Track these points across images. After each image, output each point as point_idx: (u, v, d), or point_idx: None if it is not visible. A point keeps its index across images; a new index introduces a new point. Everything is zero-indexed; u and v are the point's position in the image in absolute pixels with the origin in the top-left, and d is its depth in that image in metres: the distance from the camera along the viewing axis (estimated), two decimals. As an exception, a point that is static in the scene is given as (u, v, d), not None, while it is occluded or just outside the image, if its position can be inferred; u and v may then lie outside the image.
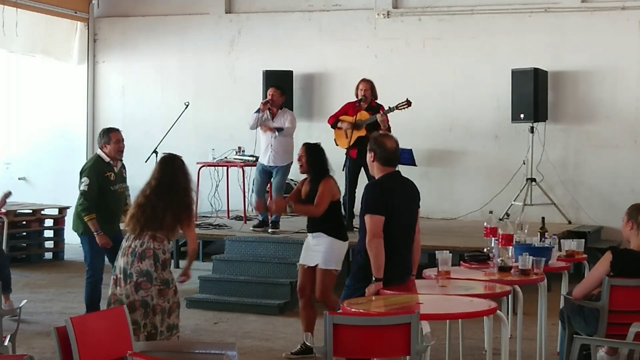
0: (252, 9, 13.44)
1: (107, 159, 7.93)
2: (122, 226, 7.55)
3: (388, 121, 9.89)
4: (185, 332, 8.23)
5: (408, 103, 10.03)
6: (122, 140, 8.03)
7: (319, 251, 7.21)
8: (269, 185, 10.60)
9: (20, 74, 14.39)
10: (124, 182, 8.12)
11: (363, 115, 10.04)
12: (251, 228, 10.53)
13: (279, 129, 10.31)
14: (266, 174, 10.43)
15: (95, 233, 7.81)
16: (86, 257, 8.11)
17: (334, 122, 10.31)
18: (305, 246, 7.39)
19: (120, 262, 6.24)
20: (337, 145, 10.28)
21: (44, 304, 9.35)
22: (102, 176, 7.87)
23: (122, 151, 8.00)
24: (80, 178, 7.89)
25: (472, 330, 7.63)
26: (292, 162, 10.30)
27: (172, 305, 6.23)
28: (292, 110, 11.39)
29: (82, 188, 7.84)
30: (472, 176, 12.28)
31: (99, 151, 8.05)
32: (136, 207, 6.33)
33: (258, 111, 10.32)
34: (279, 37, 13.19)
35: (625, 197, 10.09)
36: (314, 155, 7.37)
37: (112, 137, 7.95)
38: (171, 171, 6.38)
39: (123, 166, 8.16)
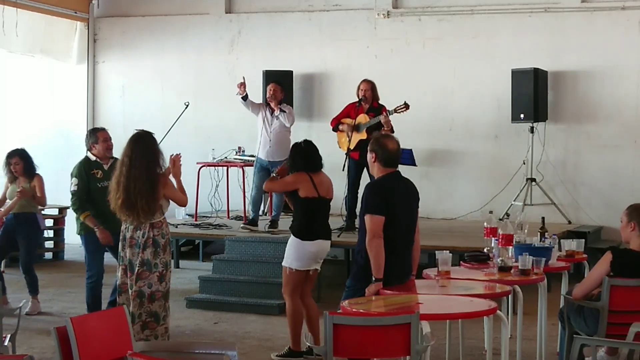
0: (252, 9, 13.45)
1: (94, 158, 8.07)
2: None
3: (390, 122, 9.93)
4: (185, 332, 8.25)
5: (406, 106, 10.02)
6: (110, 138, 8.17)
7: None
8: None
9: (20, 74, 14.38)
10: None
11: (362, 118, 10.06)
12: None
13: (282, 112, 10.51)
14: (265, 170, 10.45)
15: (95, 228, 7.87)
16: (85, 257, 8.26)
17: (335, 125, 10.35)
18: None
19: (127, 252, 6.71)
20: (340, 147, 10.32)
21: (44, 304, 9.33)
22: (89, 174, 7.98)
23: (110, 149, 8.12)
24: (70, 180, 8.04)
25: (472, 330, 7.62)
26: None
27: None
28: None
29: (71, 189, 7.99)
30: (472, 176, 12.28)
31: (87, 153, 8.19)
32: (123, 193, 6.63)
33: (243, 98, 10.53)
34: (279, 37, 13.19)
35: (625, 197, 10.07)
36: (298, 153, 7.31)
37: (99, 136, 8.11)
38: (138, 150, 6.67)
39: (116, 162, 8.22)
